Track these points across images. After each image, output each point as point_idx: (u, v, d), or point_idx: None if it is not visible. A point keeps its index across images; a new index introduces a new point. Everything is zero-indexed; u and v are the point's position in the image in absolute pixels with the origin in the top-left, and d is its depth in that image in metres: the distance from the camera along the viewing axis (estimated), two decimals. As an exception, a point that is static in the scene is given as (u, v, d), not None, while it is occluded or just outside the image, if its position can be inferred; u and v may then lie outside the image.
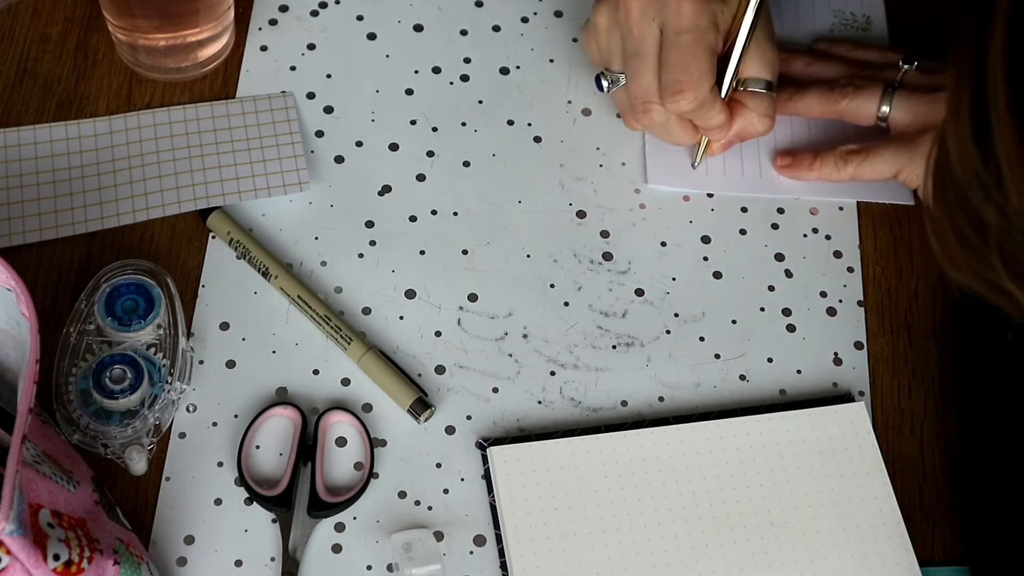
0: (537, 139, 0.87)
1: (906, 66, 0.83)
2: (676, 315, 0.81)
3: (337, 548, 0.72)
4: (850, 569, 0.72)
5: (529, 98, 0.88)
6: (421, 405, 0.75)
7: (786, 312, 0.82)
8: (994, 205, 0.47)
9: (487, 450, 0.75)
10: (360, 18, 0.91)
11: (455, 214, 0.83)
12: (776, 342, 0.81)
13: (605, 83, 0.82)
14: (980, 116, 0.46)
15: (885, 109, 0.82)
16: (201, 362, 0.77)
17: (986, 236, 0.48)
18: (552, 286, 0.81)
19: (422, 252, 0.82)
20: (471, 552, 0.73)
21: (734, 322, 0.81)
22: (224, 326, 0.78)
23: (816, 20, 0.93)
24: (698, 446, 0.75)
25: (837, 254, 0.84)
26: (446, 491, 0.74)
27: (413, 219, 0.83)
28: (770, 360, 0.80)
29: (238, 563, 0.71)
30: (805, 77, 0.87)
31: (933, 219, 0.52)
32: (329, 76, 0.88)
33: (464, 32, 0.91)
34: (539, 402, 0.77)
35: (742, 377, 0.79)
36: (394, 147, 0.86)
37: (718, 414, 0.77)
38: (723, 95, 0.80)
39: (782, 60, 0.87)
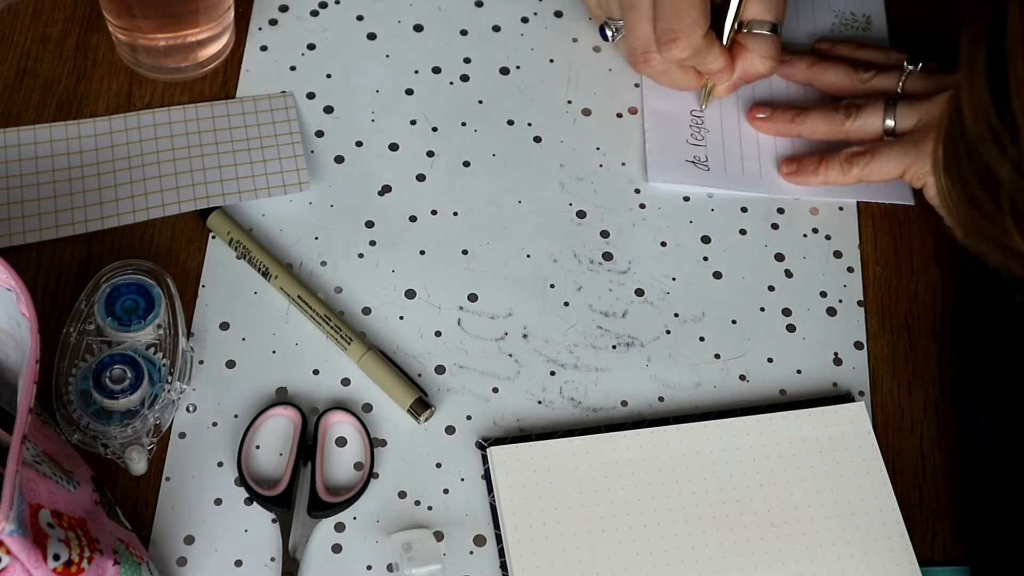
0: (537, 139, 0.87)
1: (911, 67, 0.83)
2: (676, 315, 0.81)
3: (337, 548, 0.72)
4: (850, 569, 0.72)
5: (529, 98, 0.88)
6: (421, 405, 0.75)
7: (786, 312, 0.82)
8: (1008, 160, 0.47)
9: (487, 450, 0.75)
10: (360, 18, 0.91)
11: (455, 214, 0.83)
12: (776, 342, 0.81)
13: (609, 33, 0.85)
14: (997, 69, 0.46)
15: (890, 123, 0.83)
16: (201, 362, 0.77)
17: (998, 195, 0.48)
18: (552, 286, 0.81)
19: (422, 252, 0.82)
20: (471, 552, 0.73)
21: (734, 322, 0.81)
22: (224, 326, 0.78)
23: (816, 20, 0.93)
24: (698, 446, 0.75)
25: (837, 254, 0.84)
26: (446, 491, 0.74)
27: (413, 219, 0.83)
28: (770, 360, 0.80)
29: (238, 563, 0.71)
30: (807, 79, 0.88)
31: (944, 184, 0.52)
32: (329, 76, 0.88)
33: (464, 32, 0.91)
34: (539, 402, 0.77)
35: (742, 377, 0.79)
36: (394, 147, 0.86)
37: (718, 414, 0.77)
38: (724, 40, 0.82)
39: (785, 62, 0.88)
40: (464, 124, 0.87)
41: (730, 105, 0.88)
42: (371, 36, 0.90)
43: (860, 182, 0.84)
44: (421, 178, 0.85)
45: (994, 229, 0.50)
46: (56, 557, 0.59)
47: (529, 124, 0.87)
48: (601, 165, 0.86)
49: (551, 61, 0.90)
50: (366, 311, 0.79)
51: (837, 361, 0.80)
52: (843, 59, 0.88)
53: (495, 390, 0.78)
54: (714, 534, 0.73)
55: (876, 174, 0.83)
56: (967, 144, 0.50)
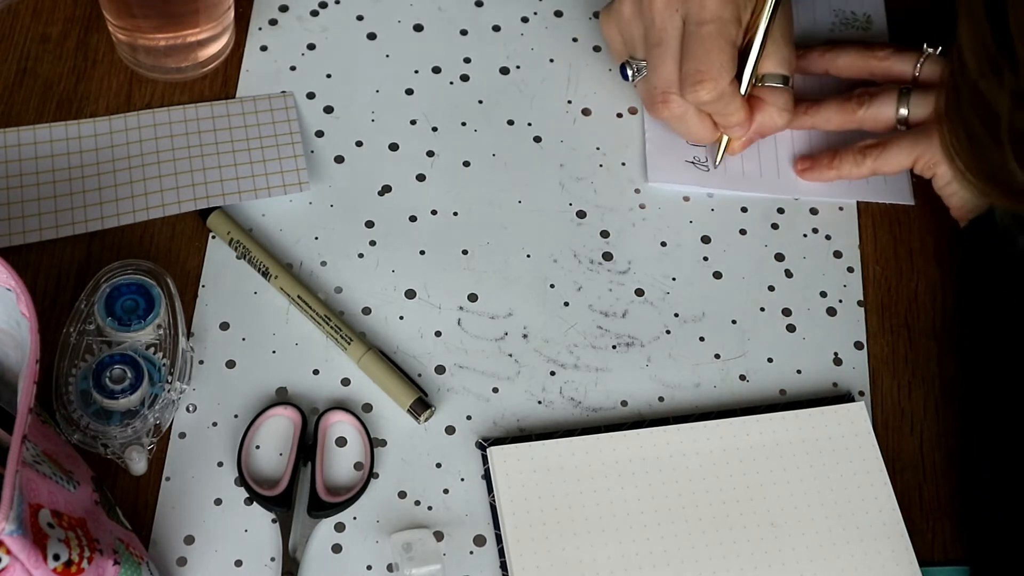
0: (537, 139, 0.87)
1: (930, 50, 0.83)
2: (676, 315, 0.81)
3: (337, 548, 0.72)
4: (850, 569, 0.72)
5: (529, 98, 0.88)
6: (421, 405, 0.75)
7: (786, 312, 0.82)
8: (1007, 92, 0.49)
9: (487, 450, 0.75)
10: (360, 18, 0.91)
11: (455, 214, 0.83)
12: (776, 342, 0.81)
13: (630, 72, 0.82)
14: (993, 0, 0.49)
15: (903, 112, 0.82)
16: (201, 362, 0.77)
17: (998, 131, 0.50)
18: (552, 286, 0.81)
19: (422, 252, 0.82)
20: (471, 552, 0.73)
21: (734, 322, 0.81)
22: (224, 326, 0.78)
23: (816, 20, 0.93)
24: (698, 446, 0.75)
25: (837, 254, 0.84)
26: (446, 491, 0.74)
27: (413, 219, 0.83)
28: (770, 360, 0.80)
29: (238, 563, 0.71)
30: (822, 68, 0.87)
31: (946, 131, 0.54)
32: (329, 76, 0.88)
33: (464, 32, 0.91)
34: (539, 402, 0.77)
35: (742, 377, 0.79)
36: (394, 147, 0.86)
37: (718, 414, 0.77)
38: (743, 91, 0.81)
39: (798, 55, 0.87)
40: (464, 124, 0.87)
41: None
42: (371, 36, 0.90)
43: (874, 174, 0.83)
44: (421, 178, 0.85)
45: (996, 168, 0.52)
46: (56, 557, 0.59)
47: (529, 124, 0.87)
48: (601, 165, 0.86)
49: (551, 61, 0.90)
50: (366, 311, 0.79)
51: (837, 361, 0.80)
52: (855, 47, 0.88)
53: (495, 390, 0.78)
54: (714, 534, 0.73)
55: (888, 165, 0.82)
56: (967, 84, 0.51)
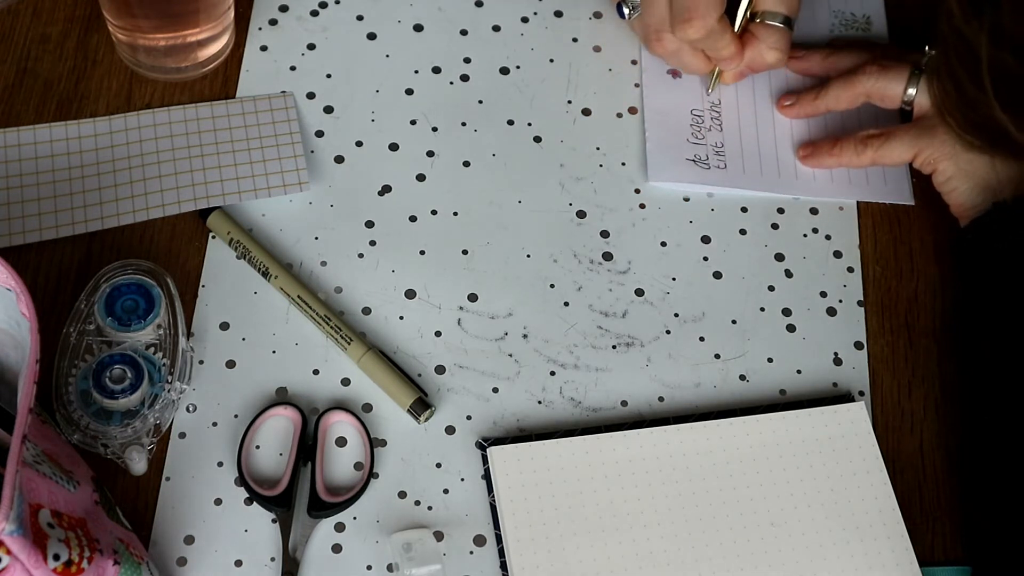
0: (537, 139, 0.87)
1: (932, 51, 0.83)
2: (676, 315, 0.81)
3: (337, 548, 0.72)
4: (850, 569, 0.72)
5: (529, 98, 0.88)
6: (421, 405, 0.75)
7: (786, 312, 0.82)
8: (986, 29, 0.52)
9: (487, 450, 0.75)
10: (360, 18, 0.91)
11: (455, 214, 0.83)
12: (776, 342, 0.81)
13: (626, 10, 0.85)
14: None
15: (911, 92, 0.82)
16: (201, 362, 0.77)
17: (979, 72, 0.53)
18: (552, 286, 0.81)
19: (422, 252, 0.82)
20: (471, 552, 0.73)
21: (734, 322, 0.81)
22: (224, 326, 0.78)
23: (816, 20, 0.93)
24: (698, 446, 0.75)
25: (837, 254, 0.84)
26: (446, 491, 0.74)
27: (413, 219, 0.83)
28: (770, 360, 0.80)
29: (238, 563, 0.71)
30: (824, 70, 0.87)
31: (937, 89, 0.58)
32: (329, 76, 0.88)
33: (464, 32, 0.91)
34: (539, 402, 0.77)
35: (742, 377, 0.79)
36: (394, 147, 0.86)
37: (718, 414, 0.77)
38: (736, 27, 0.83)
39: (801, 56, 0.88)
40: (464, 124, 0.87)
41: (730, 104, 0.88)
42: (371, 36, 0.90)
43: (874, 164, 0.84)
44: (421, 178, 0.85)
45: (982, 115, 0.54)
46: (56, 557, 0.59)
47: (529, 124, 0.87)
48: (601, 165, 0.86)
49: (551, 61, 0.90)
50: (366, 311, 0.79)
51: (837, 361, 0.80)
52: (860, 49, 0.88)
53: (495, 390, 0.78)
54: (714, 534, 0.73)
55: (888, 157, 0.83)
56: (953, 31, 0.54)
